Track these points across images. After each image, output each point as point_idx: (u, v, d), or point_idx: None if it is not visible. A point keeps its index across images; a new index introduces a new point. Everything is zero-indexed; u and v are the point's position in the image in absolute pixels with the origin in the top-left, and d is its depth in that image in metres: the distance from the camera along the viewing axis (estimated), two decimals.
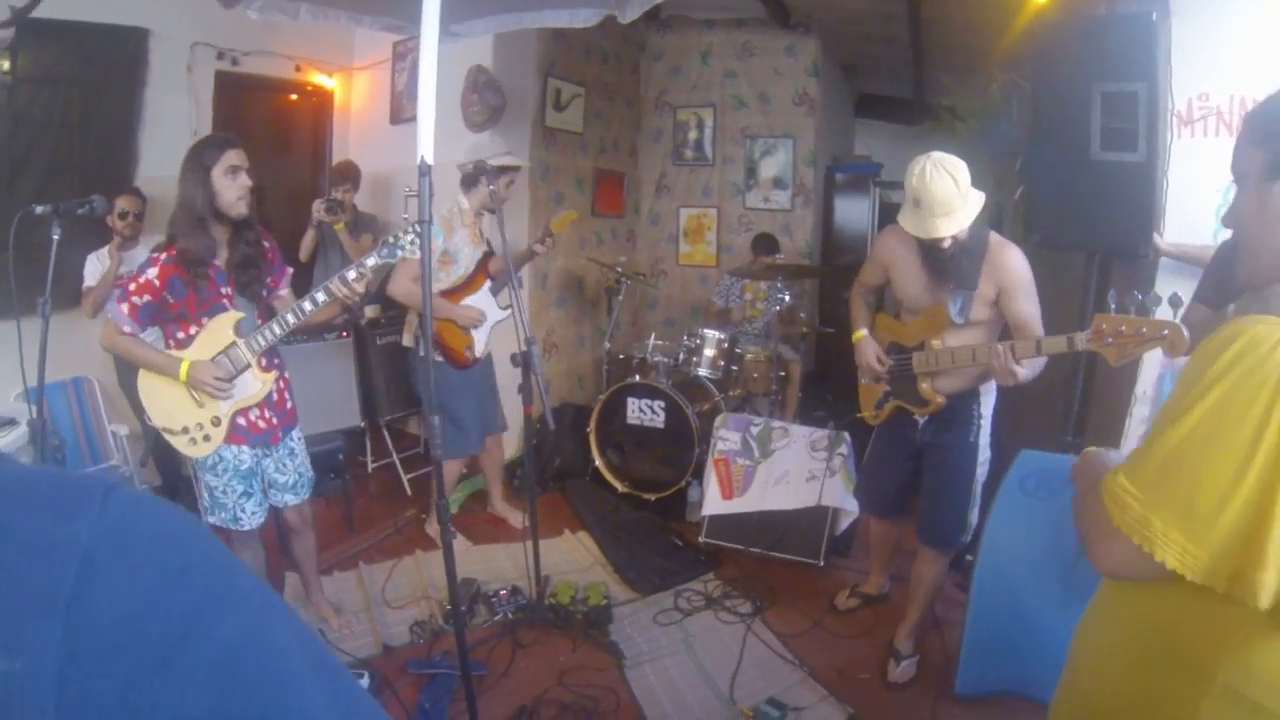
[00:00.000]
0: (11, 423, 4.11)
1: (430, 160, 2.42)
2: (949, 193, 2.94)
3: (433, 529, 4.86)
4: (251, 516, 3.29)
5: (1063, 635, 1.61)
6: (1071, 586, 2.85)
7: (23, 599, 0.41)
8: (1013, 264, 3.07)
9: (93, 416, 5.01)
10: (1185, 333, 2.36)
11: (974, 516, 3.41)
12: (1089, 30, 3.62)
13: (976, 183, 3.05)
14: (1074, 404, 3.80)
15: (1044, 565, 3.05)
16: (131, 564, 0.44)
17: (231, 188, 2.99)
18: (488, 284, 4.50)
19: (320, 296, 3.07)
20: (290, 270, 3.43)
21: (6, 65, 4.87)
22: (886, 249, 3.48)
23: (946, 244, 3.04)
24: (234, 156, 3.00)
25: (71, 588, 0.42)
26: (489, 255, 4.51)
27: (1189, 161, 3.49)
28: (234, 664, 0.46)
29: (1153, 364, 3.62)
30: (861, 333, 3.59)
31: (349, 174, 5.84)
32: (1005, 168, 5.61)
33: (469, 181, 4.38)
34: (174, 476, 3.60)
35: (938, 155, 3.00)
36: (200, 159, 2.96)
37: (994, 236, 3.17)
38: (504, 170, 4.31)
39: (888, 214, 7.69)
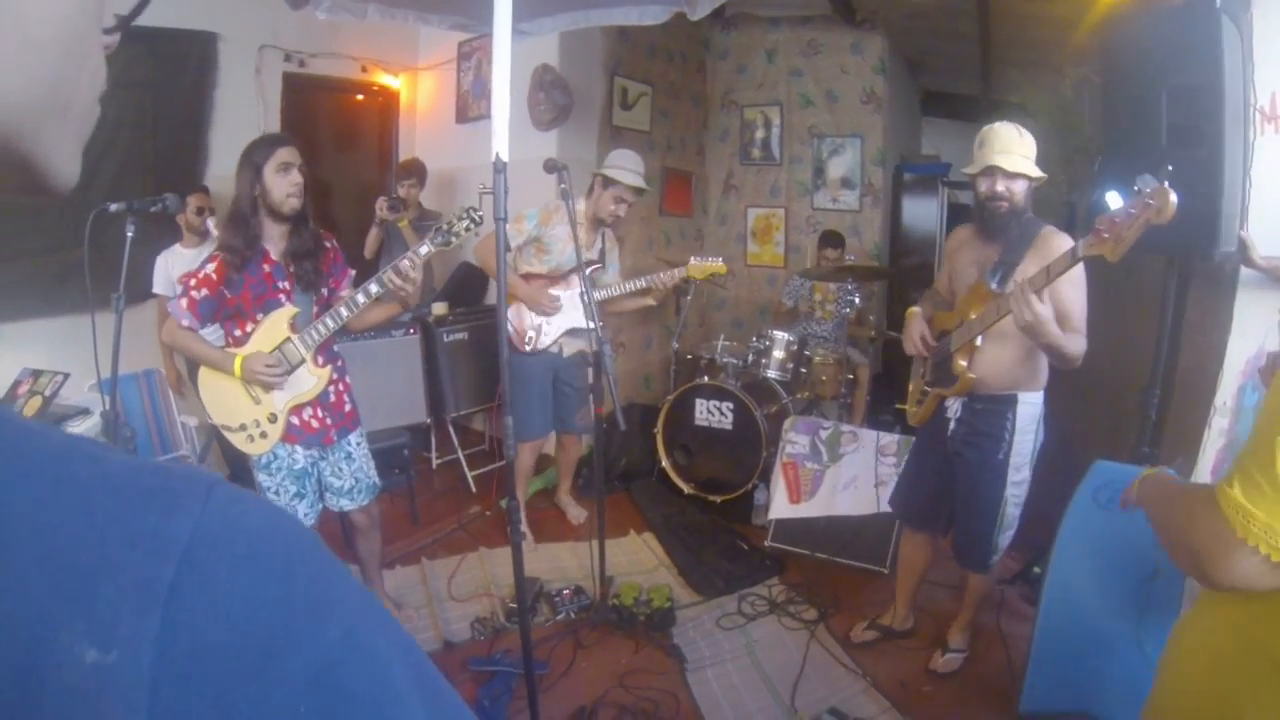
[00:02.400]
0: (85, 413, 4.20)
1: (505, 157, 2.41)
2: (1011, 136, 3.07)
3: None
4: (304, 518, 3.32)
5: (1135, 653, 1.55)
6: (1146, 603, 2.77)
7: (122, 592, 0.39)
8: (1062, 246, 2.98)
9: (163, 408, 5.13)
10: (1172, 196, 2.33)
11: (1003, 540, 3.33)
12: (1154, 23, 3.50)
13: (1047, 184, 3.06)
14: (1150, 413, 3.59)
15: (1117, 581, 2.95)
16: (232, 563, 0.43)
17: (282, 184, 3.04)
18: (580, 289, 4.44)
19: (373, 288, 3.11)
20: (353, 272, 3.45)
21: None
22: (953, 240, 3.54)
23: (999, 187, 3.07)
24: (285, 154, 3.05)
25: (171, 583, 0.40)
26: (591, 264, 4.44)
27: (1277, 159, 3.33)
28: (334, 674, 0.44)
29: (1233, 374, 3.49)
30: (914, 309, 3.54)
31: (414, 170, 5.91)
32: (1079, 169, 5.49)
33: (590, 188, 4.42)
34: (242, 469, 3.67)
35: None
36: (252, 158, 3.04)
37: (1049, 227, 3.15)
38: (613, 183, 4.29)
39: (956, 214, 7.58)
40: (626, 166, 4.32)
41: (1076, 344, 2.92)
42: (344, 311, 3.14)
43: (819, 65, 7.38)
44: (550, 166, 3.86)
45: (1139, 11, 4.08)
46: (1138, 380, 3.61)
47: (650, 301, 4.59)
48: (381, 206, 5.53)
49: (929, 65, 8.37)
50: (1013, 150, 3.05)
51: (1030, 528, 3.46)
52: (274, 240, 3.14)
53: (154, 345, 4.81)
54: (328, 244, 3.31)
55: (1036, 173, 3.08)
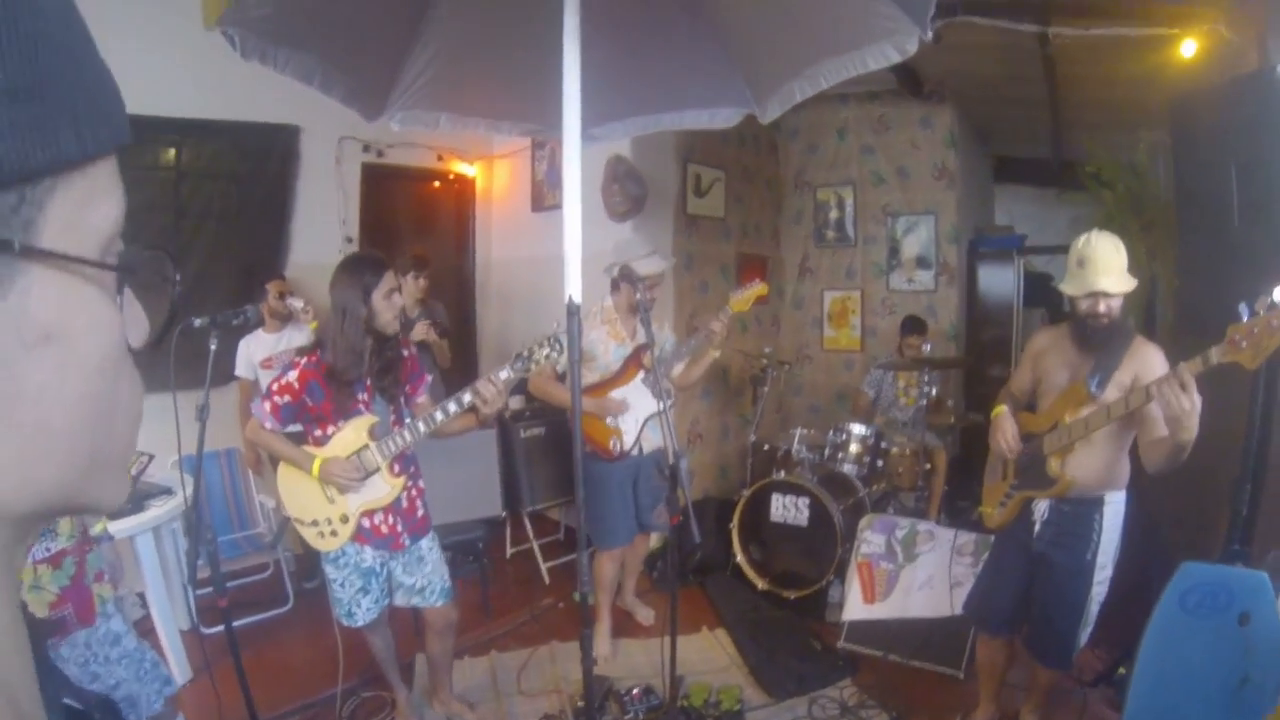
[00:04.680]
0: (169, 492, 4.31)
1: (578, 300, 2.45)
2: (1111, 254, 3.07)
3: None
4: (366, 612, 3.39)
5: None
6: (1236, 711, 2.66)
7: None
8: (1154, 360, 3.08)
9: (243, 487, 5.34)
10: None
11: (1084, 635, 3.30)
12: (1220, 95, 3.45)
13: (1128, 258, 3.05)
14: (1241, 507, 3.43)
15: (1207, 688, 2.89)
16: None
17: (389, 309, 3.17)
18: (640, 376, 4.43)
19: (452, 407, 3.18)
20: (429, 378, 3.53)
21: (172, 157, 5.37)
22: (1036, 344, 3.53)
23: (1102, 307, 3.08)
24: (391, 279, 3.18)
25: None
26: (643, 348, 4.43)
27: None
28: None
29: None
30: (1002, 407, 3.50)
31: (426, 264, 5.67)
32: (1158, 238, 5.37)
33: (614, 284, 4.43)
34: (313, 554, 3.77)
35: (1101, 230, 3.15)
36: (361, 279, 3.13)
37: (1140, 336, 3.18)
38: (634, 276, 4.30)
39: (1032, 283, 7.49)
40: (640, 255, 4.35)
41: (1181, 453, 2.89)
42: (422, 426, 3.21)
43: (889, 141, 7.39)
44: (627, 275, 3.92)
45: (1205, 85, 4.02)
46: (1227, 471, 3.48)
47: (715, 354, 4.46)
48: (427, 332, 5.29)
49: (999, 132, 8.32)
50: (1113, 269, 3.07)
51: (1114, 625, 3.41)
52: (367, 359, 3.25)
53: (235, 425, 4.96)
54: (406, 352, 3.40)
55: (1134, 284, 3.11)
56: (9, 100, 0.44)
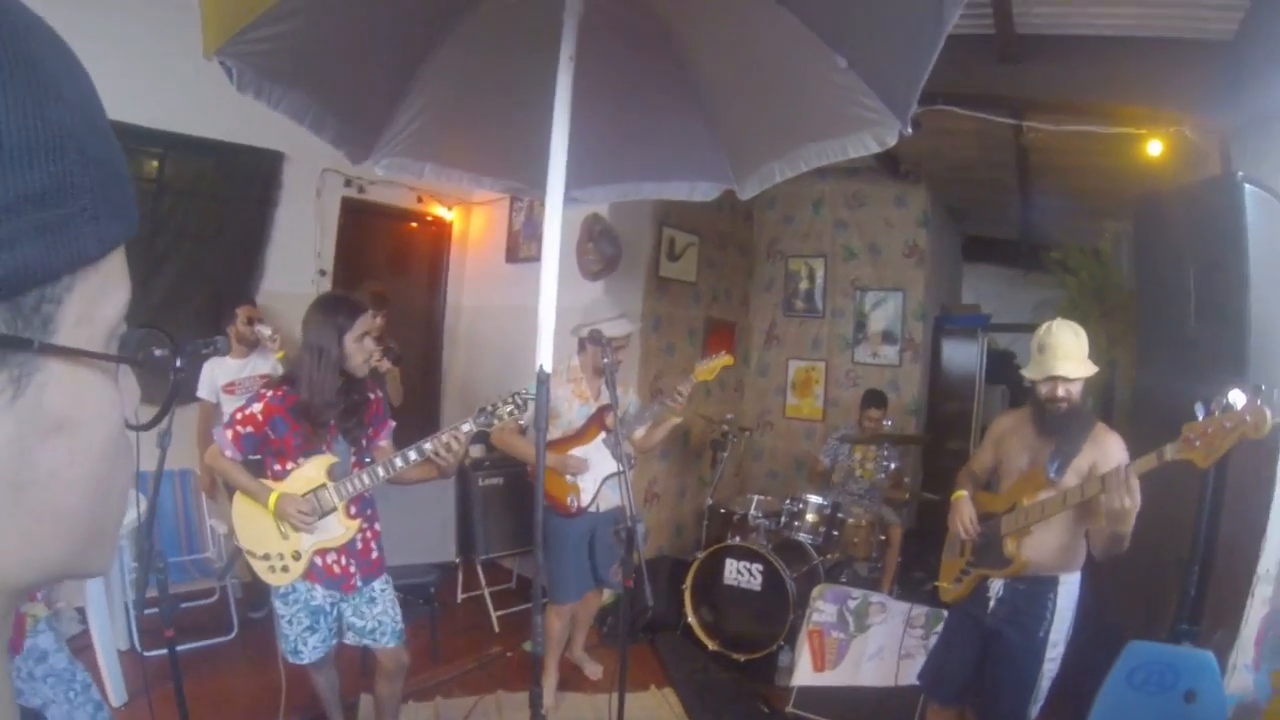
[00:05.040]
0: None
1: (549, 368, 2.49)
2: (1070, 342, 3.17)
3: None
4: (312, 650, 3.34)
5: None
6: None
7: None
8: (1113, 448, 3.16)
9: (195, 510, 5.27)
10: (1268, 413, 2.46)
11: (1034, 711, 3.34)
12: (1180, 198, 3.57)
13: (1088, 343, 3.15)
14: (1190, 588, 3.53)
15: None
16: None
17: (361, 352, 3.18)
18: (601, 436, 4.47)
19: (412, 455, 3.19)
20: (393, 424, 3.53)
21: (154, 169, 5.37)
22: (1000, 426, 3.64)
23: (1060, 392, 3.17)
24: (365, 323, 3.18)
25: None
26: (606, 408, 4.46)
27: None
28: None
29: (1277, 539, 3.45)
30: (962, 492, 3.58)
31: (386, 302, 5.59)
32: (1118, 325, 5.50)
33: (580, 344, 4.48)
34: (262, 586, 3.73)
35: (1062, 319, 3.26)
36: (336, 320, 3.13)
37: (1100, 423, 3.28)
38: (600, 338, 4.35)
39: (995, 360, 7.63)
40: (607, 318, 4.40)
41: (1121, 539, 2.99)
42: (381, 472, 3.21)
43: (864, 218, 7.55)
44: (595, 338, 3.98)
45: (1169, 184, 4.17)
46: (1176, 550, 3.57)
47: (676, 420, 4.58)
48: (379, 357, 5.11)
49: (970, 213, 8.55)
50: (1073, 355, 3.16)
51: (1064, 700, 3.43)
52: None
53: (192, 446, 4.90)
54: (371, 395, 3.41)
55: (1093, 370, 3.21)
56: (37, 204, 0.45)
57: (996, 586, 3.39)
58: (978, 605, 3.45)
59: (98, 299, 0.52)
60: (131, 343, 0.57)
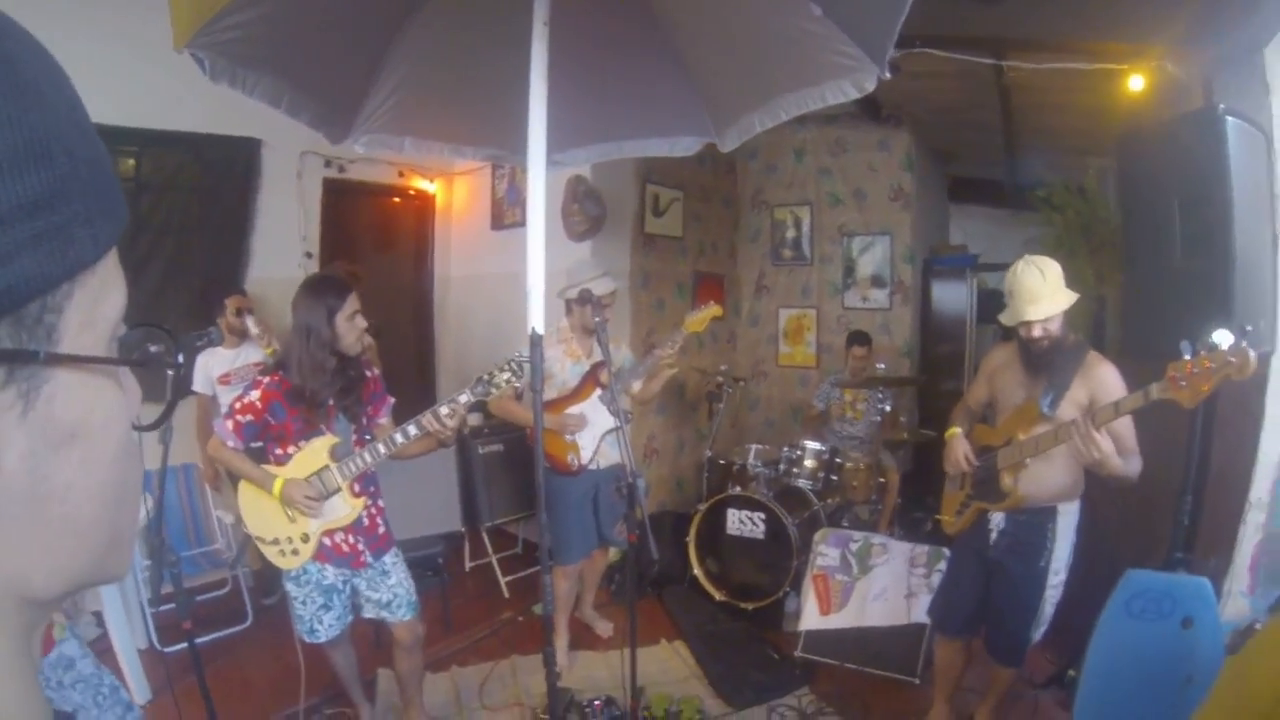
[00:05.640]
0: None
1: (540, 330, 2.53)
2: (1036, 283, 3.18)
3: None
4: (328, 629, 3.39)
5: None
6: (1181, 710, 2.76)
7: None
8: (1107, 377, 3.19)
9: (200, 503, 5.30)
10: (1252, 355, 2.48)
11: (1036, 634, 3.45)
12: (1163, 133, 3.57)
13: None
14: (1183, 518, 3.54)
15: (1152, 690, 3.00)
16: None
17: (353, 331, 3.20)
18: (597, 393, 4.50)
19: (411, 430, 3.21)
20: (392, 400, 3.55)
21: (132, 168, 5.34)
22: (992, 361, 3.67)
23: (1036, 332, 3.21)
24: (354, 301, 3.20)
25: None
26: (600, 365, 4.47)
27: None
28: None
29: (1268, 466, 3.52)
30: (956, 430, 3.63)
31: (356, 280, 5.34)
32: (1105, 260, 5.52)
33: (568, 305, 4.49)
34: (273, 571, 3.74)
35: (1031, 256, 3.25)
36: (325, 301, 3.15)
37: (1094, 353, 3.29)
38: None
39: (985, 299, 7.61)
40: (591, 277, 4.41)
41: (1135, 464, 3.08)
42: (382, 449, 3.24)
43: (847, 163, 7.51)
44: (584, 298, 4.00)
45: (1151, 119, 4.16)
46: (1170, 480, 3.59)
47: (671, 370, 4.58)
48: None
49: (955, 155, 8.49)
50: (1040, 297, 3.17)
51: (1065, 630, 3.53)
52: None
53: (192, 440, 4.96)
54: (369, 373, 3.44)
55: (1068, 302, 3.21)
56: (30, 213, 0.45)
57: (997, 519, 3.45)
58: (979, 538, 3.51)
59: (98, 301, 0.52)
60: (130, 342, 0.57)
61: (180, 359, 0.68)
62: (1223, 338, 2.55)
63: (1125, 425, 3.05)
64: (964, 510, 3.57)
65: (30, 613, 0.52)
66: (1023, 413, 3.33)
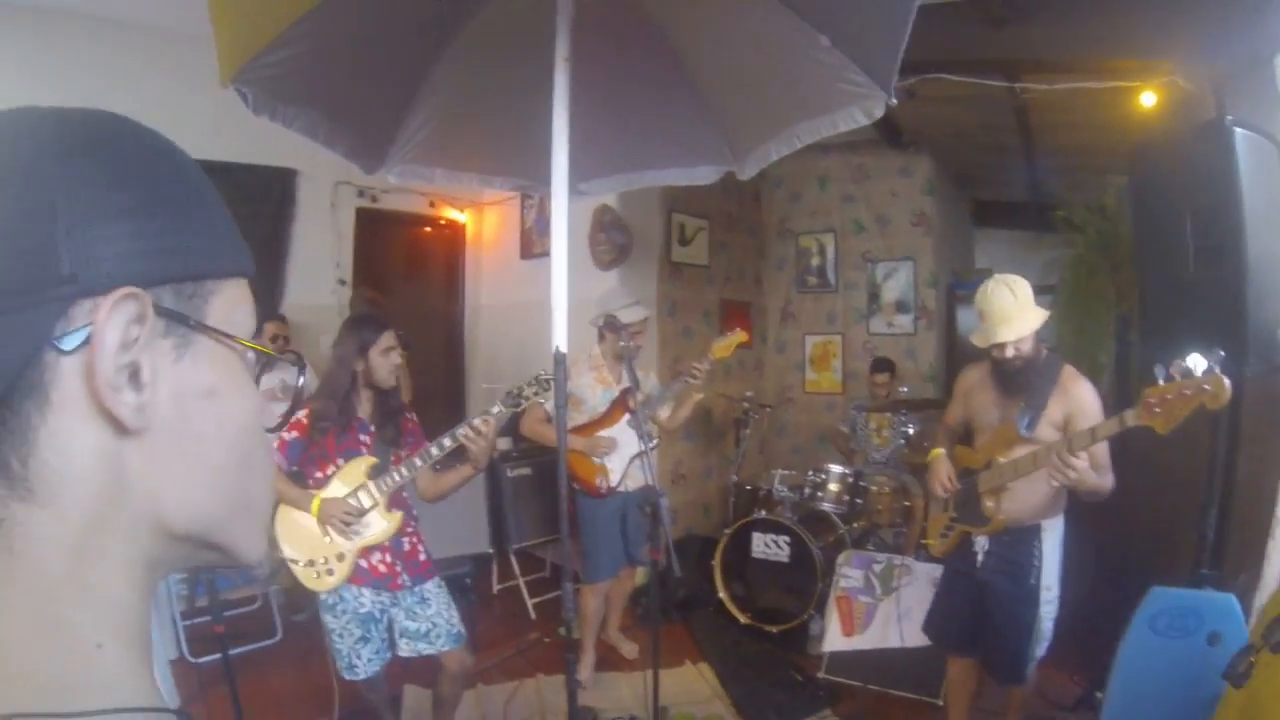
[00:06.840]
0: None
1: (564, 349, 2.60)
2: (1006, 303, 3.19)
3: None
4: (367, 664, 3.36)
5: None
6: None
7: None
8: (1083, 395, 3.22)
9: None
10: (1226, 383, 2.47)
11: (1037, 651, 3.43)
12: (1174, 146, 3.61)
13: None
14: (1208, 531, 3.49)
15: (1178, 708, 2.95)
16: None
17: (385, 365, 3.35)
18: (626, 418, 4.55)
19: (446, 442, 3.29)
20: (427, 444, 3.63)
21: None
22: (965, 381, 3.71)
23: (1009, 353, 3.22)
24: (389, 338, 3.35)
25: None
26: (628, 390, 4.43)
27: None
28: None
29: None
30: (939, 451, 3.65)
31: (379, 307, 5.83)
32: (1126, 278, 5.52)
33: (600, 333, 4.61)
34: (310, 603, 3.82)
35: (1001, 275, 3.30)
36: (361, 336, 3.32)
37: (1068, 369, 3.31)
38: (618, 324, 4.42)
39: None
40: (622, 305, 4.52)
41: (1108, 480, 3.10)
42: (418, 462, 3.32)
43: (869, 190, 7.58)
44: (612, 324, 4.08)
45: (1164, 133, 4.20)
46: (1195, 494, 3.57)
47: (698, 396, 4.71)
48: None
49: (976, 178, 8.53)
50: (1010, 317, 3.19)
51: (1089, 650, 3.52)
52: (363, 404, 3.40)
53: None
54: (409, 415, 3.58)
55: (1039, 321, 3.23)
56: (200, 228, 0.64)
57: (982, 540, 3.45)
58: (966, 560, 3.52)
59: (235, 306, 0.66)
60: (260, 361, 0.72)
61: (303, 376, 0.87)
62: (1197, 362, 2.56)
63: (1100, 445, 3.05)
64: (948, 533, 3.58)
65: (160, 548, 0.61)
66: (1001, 435, 3.34)
